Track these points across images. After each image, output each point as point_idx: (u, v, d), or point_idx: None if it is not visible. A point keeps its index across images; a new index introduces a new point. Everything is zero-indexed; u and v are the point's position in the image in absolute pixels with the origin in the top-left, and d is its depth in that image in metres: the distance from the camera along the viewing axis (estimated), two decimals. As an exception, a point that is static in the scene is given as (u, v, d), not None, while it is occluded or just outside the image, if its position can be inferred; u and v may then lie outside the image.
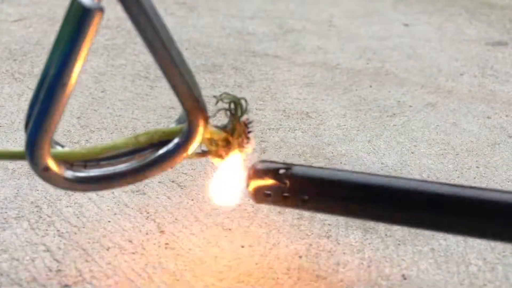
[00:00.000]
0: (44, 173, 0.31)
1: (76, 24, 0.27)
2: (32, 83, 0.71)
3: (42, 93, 0.29)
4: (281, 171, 0.37)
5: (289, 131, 0.62)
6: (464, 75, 0.81)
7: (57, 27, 0.96)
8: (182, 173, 0.52)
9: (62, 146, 0.35)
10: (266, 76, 0.78)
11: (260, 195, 0.38)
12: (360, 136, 0.61)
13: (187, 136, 0.34)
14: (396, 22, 1.08)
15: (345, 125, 0.64)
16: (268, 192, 0.37)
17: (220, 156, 0.37)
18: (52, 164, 0.31)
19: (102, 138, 0.58)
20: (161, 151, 0.34)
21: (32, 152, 0.30)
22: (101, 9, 0.27)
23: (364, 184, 0.37)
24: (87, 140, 0.58)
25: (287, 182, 0.37)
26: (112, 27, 0.93)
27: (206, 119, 0.34)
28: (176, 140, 0.34)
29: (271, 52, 0.88)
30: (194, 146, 0.35)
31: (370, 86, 0.76)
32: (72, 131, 0.59)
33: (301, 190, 0.37)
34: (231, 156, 0.37)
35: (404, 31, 1.02)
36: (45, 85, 0.29)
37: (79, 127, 0.60)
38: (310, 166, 0.40)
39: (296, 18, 1.07)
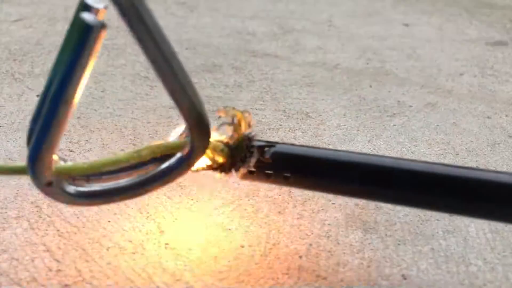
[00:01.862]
0: (46, 188, 0.31)
1: (78, 41, 0.27)
2: (32, 83, 0.71)
3: (44, 109, 0.29)
4: (265, 149, 0.38)
5: (289, 131, 0.62)
6: (464, 75, 0.81)
7: (57, 27, 0.96)
8: (182, 173, 0.52)
9: (65, 160, 0.34)
10: (266, 76, 0.78)
11: (245, 172, 0.39)
12: (360, 136, 0.61)
13: (190, 151, 0.34)
14: (396, 22, 1.08)
15: (345, 125, 0.64)
16: (252, 169, 0.38)
17: (223, 170, 0.37)
18: (54, 179, 0.31)
19: (102, 138, 0.58)
20: (163, 166, 0.34)
21: (34, 167, 0.30)
22: (103, 26, 0.27)
23: (344, 161, 0.38)
24: (87, 140, 0.58)
25: (270, 159, 0.38)
26: (112, 27, 0.93)
27: (209, 134, 0.34)
28: (178, 155, 0.34)
29: (271, 52, 0.88)
30: (196, 160, 0.34)
31: (370, 86, 0.76)
32: (72, 131, 0.59)
33: (283, 167, 0.38)
34: (234, 169, 0.37)
35: (404, 31, 1.02)
36: (47, 100, 0.29)
37: (79, 127, 0.60)
38: (293, 144, 0.41)
39: (296, 18, 1.07)
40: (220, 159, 0.37)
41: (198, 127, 0.33)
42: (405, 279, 0.40)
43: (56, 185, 0.31)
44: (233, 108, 0.36)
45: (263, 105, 0.69)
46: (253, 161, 0.37)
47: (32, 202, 0.47)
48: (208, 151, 0.35)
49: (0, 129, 0.59)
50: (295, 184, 0.39)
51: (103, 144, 0.57)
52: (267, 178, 0.38)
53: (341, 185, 0.38)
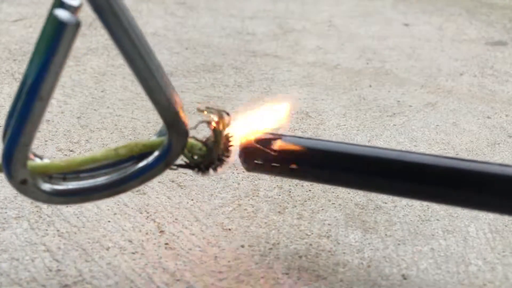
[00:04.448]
0: (21, 186, 0.30)
1: (52, 38, 0.26)
2: (32, 83, 0.71)
3: (19, 105, 0.28)
4: (271, 141, 0.38)
5: (289, 131, 0.62)
6: (464, 75, 0.81)
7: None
8: (182, 173, 0.52)
9: (41, 158, 0.34)
10: (266, 76, 0.78)
11: (251, 164, 0.39)
12: (360, 136, 0.61)
13: (167, 149, 0.33)
14: (396, 22, 1.08)
15: (345, 125, 0.64)
16: (259, 161, 0.38)
17: (200, 169, 0.37)
18: (29, 177, 0.31)
19: (102, 138, 0.58)
20: (141, 164, 0.34)
21: (8, 165, 0.29)
22: (77, 24, 0.26)
23: (350, 154, 0.38)
24: (87, 140, 0.58)
25: (277, 151, 0.38)
26: (112, 27, 0.93)
27: (186, 133, 0.33)
28: (156, 153, 0.34)
29: (271, 52, 0.88)
30: (174, 159, 0.34)
31: (370, 86, 0.76)
32: (72, 131, 0.59)
33: (289, 160, 0.38)
34: (212, 168, 0.37)
35: (404, 31, 1.02)
36: (22, 97, 0.28)
37: (79, 127, 0.60)
38: (300, 137, 0.41)
39: (296, 18, 1.07)
40: (198, 158, 0.37)
41: (176, 126, 0.32)
42: (405, 279, 0.40)
43: (31, 183, 0.31)
44: (213, 108, 0.36)
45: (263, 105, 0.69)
46: (231, 160, 0.37)
47: (32, 202, 0.47)
48: (186, 150, 0.35)
49: (0, 129, 0.59)
50: (301, 177, 0.40)
51: (103, 144, 0.57)
52: (273, 170, 0.39)
53: (347, 177, 0.39)
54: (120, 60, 0.80)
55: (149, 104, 0.67)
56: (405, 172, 0.37)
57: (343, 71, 0.81)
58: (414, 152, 0.39)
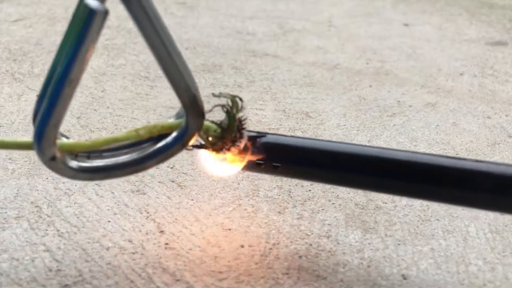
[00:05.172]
0: (50, 162, 0.33)
1: (82, 25, 0.29)
2: (32, 83, 0.71)
3: (50, 88, 0.31)
4: (256, 139, 0.40)
5: (289, 131, 0.62)
6: (464, 75, 0.82)
7: (57, 27, 0.96)
8: (182, 173, 0.52)
9: (68, 138, 0.37)
10: (266, 76, 0.78)
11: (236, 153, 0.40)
12: (360, 136, 0.61)
13: (185, 130, 0.36)
14: (396, 22, 1.08)
15: (345, 125, 0.64)
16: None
17: (215, 149, 0.39)
18: (58, 154, 0.33)
19: (102, 138, 0.58)
20: (160, 144, 0.36)
21: (40, 142, 0.32)
22: (106, 11, 0.29)
23: (333, 151, 0.39)
24: (87, 140, 0.58)
25: (260, 149, 0.39)
26: (112, 27, 0.93)
27: (203, 115, 0.35)
28: (174, 134, 0.36)
29: (271, 52, 0.88)
30: (190, 139, 0.36)
31: (370, 86, 0.76)
32: (72, 131, 0.59)
33: (273, 157, 0.39)
34: (225, 149, 0.39)
35: (404, 31, 1.03)
36: (52, 81, 0.31)
37: (79, 127, 0.60)
38: (283, 135, 0.42)
39: (296, 18, 1.07)
40: (212, 139, 0.38)
41: (193, 108, 0.34)
42: (405, 279, 0.40)
43: (59, 160, 0.33)
44: (227, 93, 0.38)
45: (263, 105, 0.69)
46: (243, 142, 0.39)
47: (32, 202, 0.47)
48: (202, 132, 0.37)
49: (0, 129, 0.59)
50: (284, 174, 0.41)
51: (103, 144, 0.57)
52: (257, 167, 0.40)
53: (329, 174, 0.39)
54: (120, 60, 0.81)
55: (149, 104, 0.67)
56: (387, 168, 0.37)
57: (343, 71, 0.82)
58: (396, 150, 0.40)
